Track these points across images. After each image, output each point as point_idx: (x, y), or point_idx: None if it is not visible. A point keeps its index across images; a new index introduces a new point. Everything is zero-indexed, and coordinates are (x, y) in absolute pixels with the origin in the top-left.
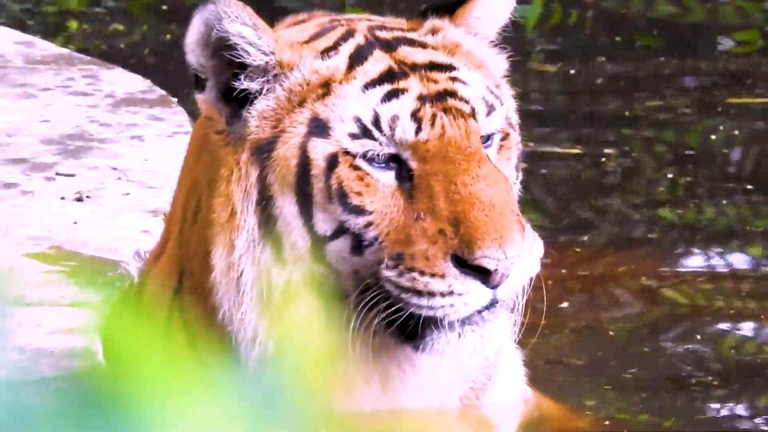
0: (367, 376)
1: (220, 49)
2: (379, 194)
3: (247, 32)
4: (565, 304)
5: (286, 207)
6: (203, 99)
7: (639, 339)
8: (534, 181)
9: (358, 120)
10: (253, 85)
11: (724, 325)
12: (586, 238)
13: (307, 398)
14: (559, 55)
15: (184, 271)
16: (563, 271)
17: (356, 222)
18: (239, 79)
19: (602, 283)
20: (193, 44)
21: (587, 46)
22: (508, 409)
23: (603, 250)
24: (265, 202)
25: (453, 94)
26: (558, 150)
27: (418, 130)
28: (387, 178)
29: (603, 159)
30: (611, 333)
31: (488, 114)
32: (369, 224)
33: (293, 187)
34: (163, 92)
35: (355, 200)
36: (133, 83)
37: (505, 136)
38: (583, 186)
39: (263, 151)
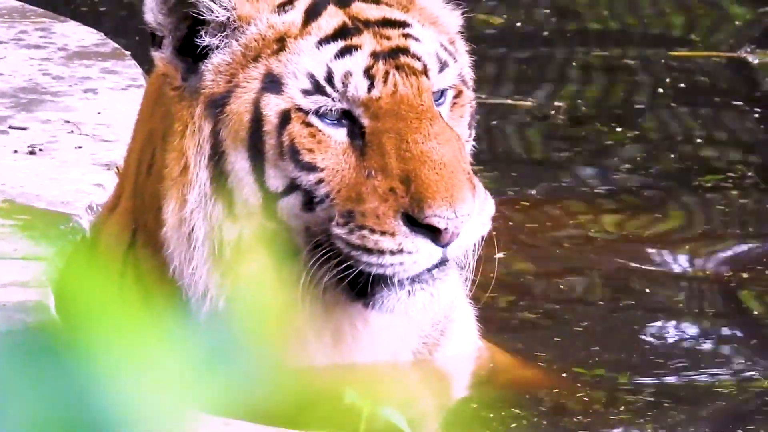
0: (319, 331)
1: (179, 6)
2: (331, 151)
3: None
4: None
5: (238, 162)
6: (160, 56)
7: (591, 291)
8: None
9: (312, 76)
10: (214, 41)
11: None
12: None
13: (259, 353)
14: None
15: (138, 225)
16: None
17: (308, 179)
18: (198, 35)
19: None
20: (152, 3)
21: None
22: (461, 362)
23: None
24: (217, 158)
25: (405, 50)
26: (509, 102)
27: (371, 87)
28: (339, 135)
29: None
30: (562, 287)
31: (441, 71)
32: (320, 181)
33: (245, 142)
34: (117, 45)
35: (306, 157)
36: (87, 36)
37: (458, 94)
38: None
39: (217, 106)
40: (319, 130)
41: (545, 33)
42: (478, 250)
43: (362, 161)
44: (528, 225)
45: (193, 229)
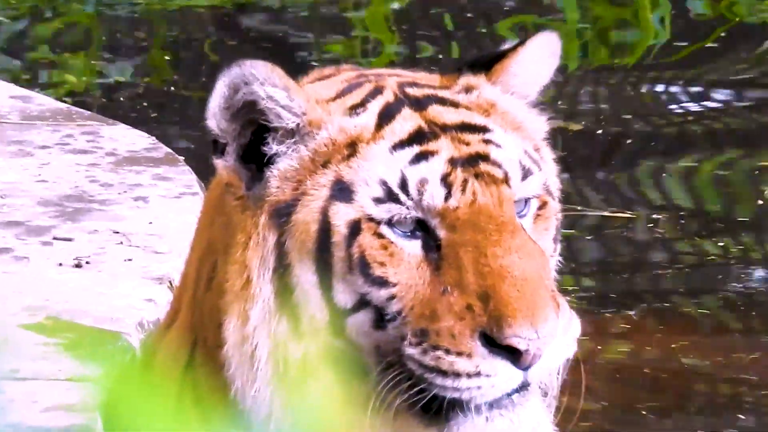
0: None
1: (244, 112)
2: (404, 265)
3: (279, 95)
4: None
5: (304, 276)
6: (223, 164)
7: None
8: None
9: (384, 183)
10: (281, 148)
11: None
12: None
13: None
14: None
15: (197, 342)
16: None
17: (379, 294)
18: (265, 142)
19: None
20: (216, 108)
21: None
22: None
23: None
24: (282, 270)
25: (486, 157)
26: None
27: (448, 195)
28: (413, 247)
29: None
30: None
31: (523, 179)
32: (392, 297)
33: (312, 254)
34: (169, 150)
35: (378, 271)
36: (137, 140)
37: (543, 205)
38: None
39: (282, 215)
40: (392, 242)
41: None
42: (562, 373)
43: (437, 276)
44: None
45: (256, 348)
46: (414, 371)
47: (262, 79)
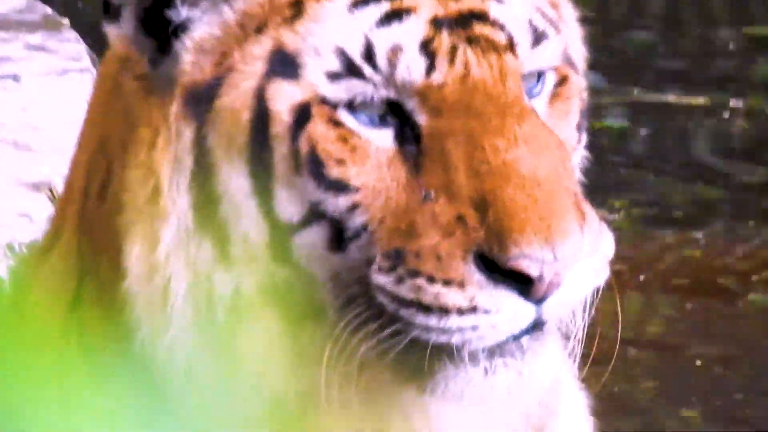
0: (355, 429)
1: None
2: (370, 162)
3: None
4: None
5: (234, 181)
6: (117, 32)
7: None
8: None
9: (342, 52)
10: (196, 12)
11: None
12: None
13: None
14: None
15: (86, 274)
16: None
17: (336, 203)
18: (173, 3)
19: None
20: None
21: None
22: None
23: None
24: (203, 175)
25: (482, 15)
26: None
27: (431, 68)
28: (382, 139)
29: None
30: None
31: (535, 44)
32: (355, 206)
33: (244, 152)
34: (49, 10)
35: (335, 171)
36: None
37: (563, 80)
38: None
39: (201, 100)
40: (353, 132)
41: None
42: (591, 309)
43: (416, 177)
44: None
45: (170, 281)
46: (385, 307)
47: None
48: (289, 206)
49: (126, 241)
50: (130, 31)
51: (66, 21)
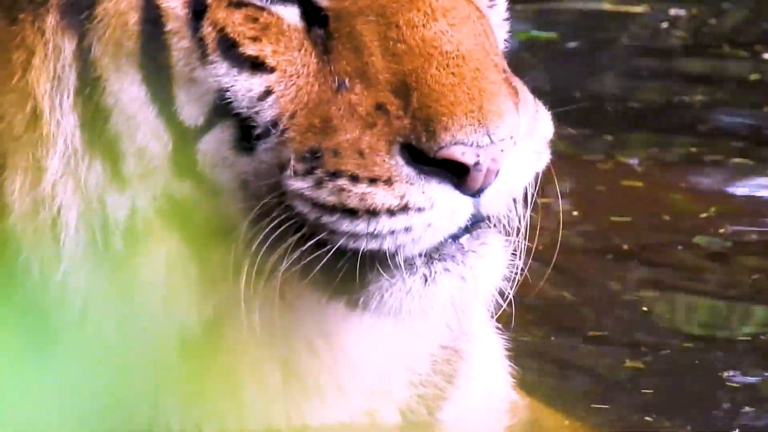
0: (268, 363)
1: None
2: (284, 42)
3: None
4: None
5: (126, 91)
6: None
7: None
8: None
9: None
10: None
11: None
12: None
13: (171, 402)
14: None
15: None
16: None
17: (249, 86)
18: None
19: None
20: None
21: None
22: (481, 426)
23: None
24: (89, 90)
25: None
26: None
27: None
28: (291, 15)
29: None
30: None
31: None
32: (267, 93)
33: (136, 57)
34: None
35: (250, 48)
36: None
37: None
38: None
39: (80, 8)
40: (261, 9)
41: None
42: (531, 199)
43: (327, 64)
44: None
45: (59, 212)
46: (305, 215)
47: None
48: (191, 108)
49: (5, 175)
50: None
51: None
